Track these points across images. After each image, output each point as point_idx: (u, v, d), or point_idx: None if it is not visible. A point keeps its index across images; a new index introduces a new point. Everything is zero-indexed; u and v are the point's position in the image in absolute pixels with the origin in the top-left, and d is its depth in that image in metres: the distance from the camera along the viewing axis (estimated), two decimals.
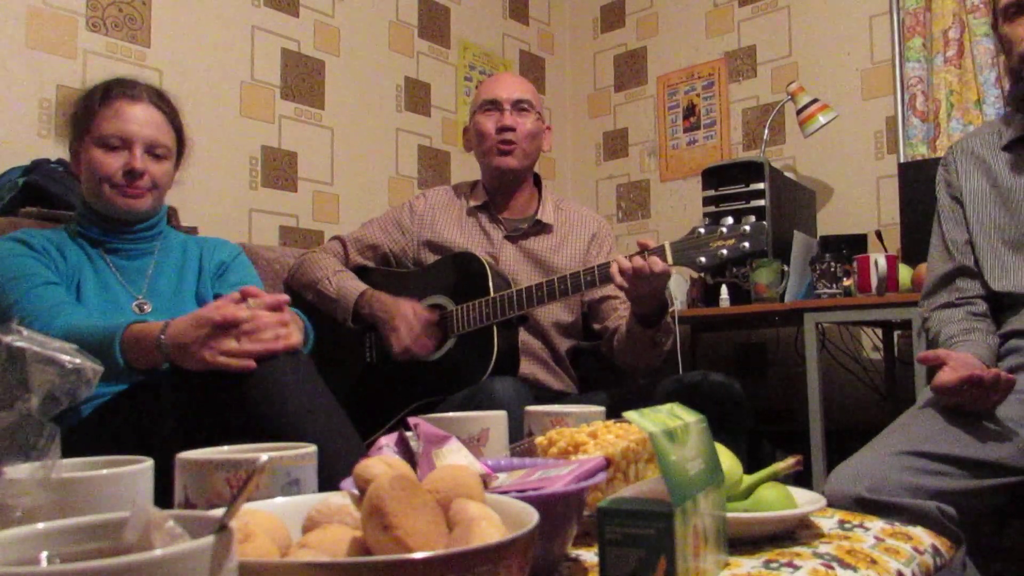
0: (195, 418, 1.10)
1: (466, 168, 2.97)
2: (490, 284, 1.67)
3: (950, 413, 1.21)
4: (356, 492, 0.57)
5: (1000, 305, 1.37)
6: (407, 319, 1.67)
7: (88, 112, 1.40)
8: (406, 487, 0.49)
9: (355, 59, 2.73)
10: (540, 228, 1.86)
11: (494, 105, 1.82)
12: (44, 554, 0.41)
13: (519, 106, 1.82)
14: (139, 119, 1.40)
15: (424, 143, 2.94)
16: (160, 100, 1.46)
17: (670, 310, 1.64)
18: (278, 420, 1.06)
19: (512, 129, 1.80)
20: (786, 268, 2.28)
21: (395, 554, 0.45)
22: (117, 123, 1.39)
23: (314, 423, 1.07)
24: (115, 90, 1.42)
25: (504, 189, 1.88)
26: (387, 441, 0.71)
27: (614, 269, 1.44)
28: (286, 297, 1.21)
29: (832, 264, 2.14)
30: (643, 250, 1.44)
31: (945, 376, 1.17)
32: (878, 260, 2.01)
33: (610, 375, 1.95)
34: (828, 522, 0.88)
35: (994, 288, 1.35)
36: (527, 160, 1.85)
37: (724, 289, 2.37)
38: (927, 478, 1.11)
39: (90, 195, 1.43)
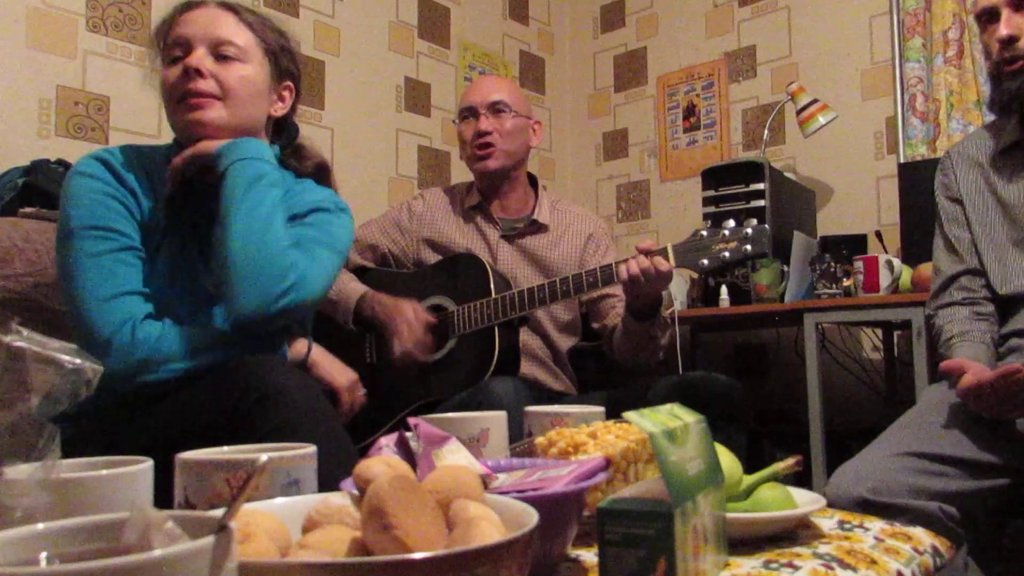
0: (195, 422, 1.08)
1: (466, 168, 2.96)
2: (491, 285, 1.67)
3: (951, 414, 1.21)
4: (356, 492, 0.57)
5: (1004, 305, 1.37)
6: (409, 322, 1.67)
7: (160, 39, 1.24)
8: (406, 487, 0.49)
9: (355, 59, 2.73)
10: (536, 228, 1.87)
11: (470, 112, 1.85)
12: (44, 554, 0.41)
13: (494, 108, 1.83)
14: (199, 20, 1.20)
15: (424, 143, 2.94)
16: (234, 5, 1.25)
17: (670, 310, 1.65)
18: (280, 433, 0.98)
19: (488, 133, 1.81)
20: (786, 268, 2.28)
21: (395, 554, 0.45)
22: (176, 30, 1.20)
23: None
24: (180, 6, 1.24)
25: (493, 190, 1.89)
26: (387, 441, 0.71)
27: (621, 271, 1.45)
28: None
29: (832, 264, 2.14)
30: (646, 252, 1.45)
31: (970, 379, 1.15)
32: (892, 261, 2.01)
33: (608, 376, 1.95)
34: (828, 522, 0.88)
35: (1000, 292, 1.35)
36: (509, 160, 1.85)
37: (724, 289, 2.37)
38: (929, 479, 1.11)
39: (171, 125, 1.23)
